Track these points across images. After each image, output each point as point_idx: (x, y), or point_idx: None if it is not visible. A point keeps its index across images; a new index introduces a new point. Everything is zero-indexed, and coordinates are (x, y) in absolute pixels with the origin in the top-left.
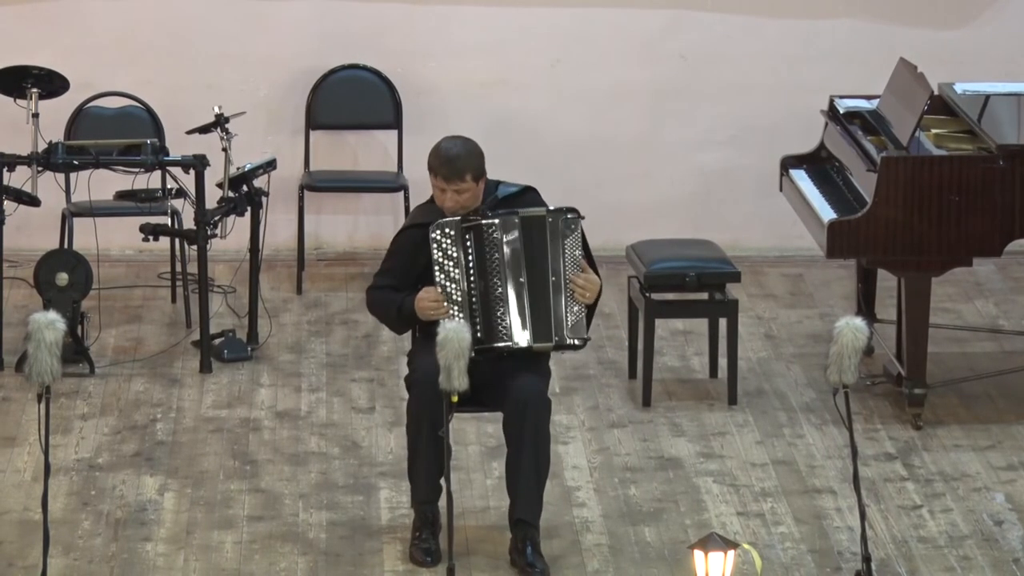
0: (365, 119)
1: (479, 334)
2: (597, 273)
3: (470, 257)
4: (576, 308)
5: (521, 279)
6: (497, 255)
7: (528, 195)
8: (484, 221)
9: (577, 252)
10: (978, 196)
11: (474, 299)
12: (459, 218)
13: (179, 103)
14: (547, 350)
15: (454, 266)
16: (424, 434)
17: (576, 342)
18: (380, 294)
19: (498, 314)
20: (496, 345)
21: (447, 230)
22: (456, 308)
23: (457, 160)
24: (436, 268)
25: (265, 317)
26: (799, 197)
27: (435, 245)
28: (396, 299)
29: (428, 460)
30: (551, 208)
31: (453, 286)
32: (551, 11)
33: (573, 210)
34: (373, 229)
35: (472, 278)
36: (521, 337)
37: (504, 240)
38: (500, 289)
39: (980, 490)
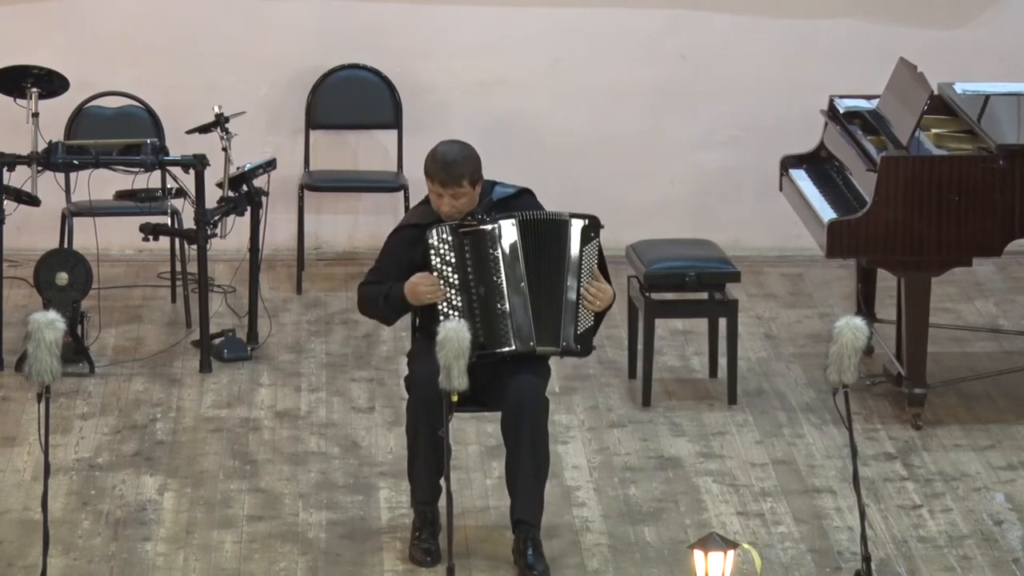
0: (365, 119)
1: (481, 339)
2: (611, 284)
3: (468, 262)
4: (585, 316)
5: (522, 283)
6: (497, 260)
7: (524, 198)
8: (482, 227)
9: (593, 261)
10: (978, 196)
11: (475, 304)
12: (456, 223)
13: (179, 103)
14: (550, 354)
15: (453, 271)
16: (423, 435)
17: (581, 348)
18: (368, 288)
19: (500, 319)
20: (498, 351)
21: (444, 235)
22: (456, 313)
23: (454, 165)
24: (435, 275)
25: (265, 317)
26: (799, 197)
27: (432, 251)
28: (383, 288)
29: (427, 461)
30: (572, 213)
31: (453, 291)
32: (551, 11)
33: (594, 219)
34: (373, 229)
35: (472, 283)
36: (523, 342)
37: (504, 244)
38: (501, 294)
39: (980, 490)
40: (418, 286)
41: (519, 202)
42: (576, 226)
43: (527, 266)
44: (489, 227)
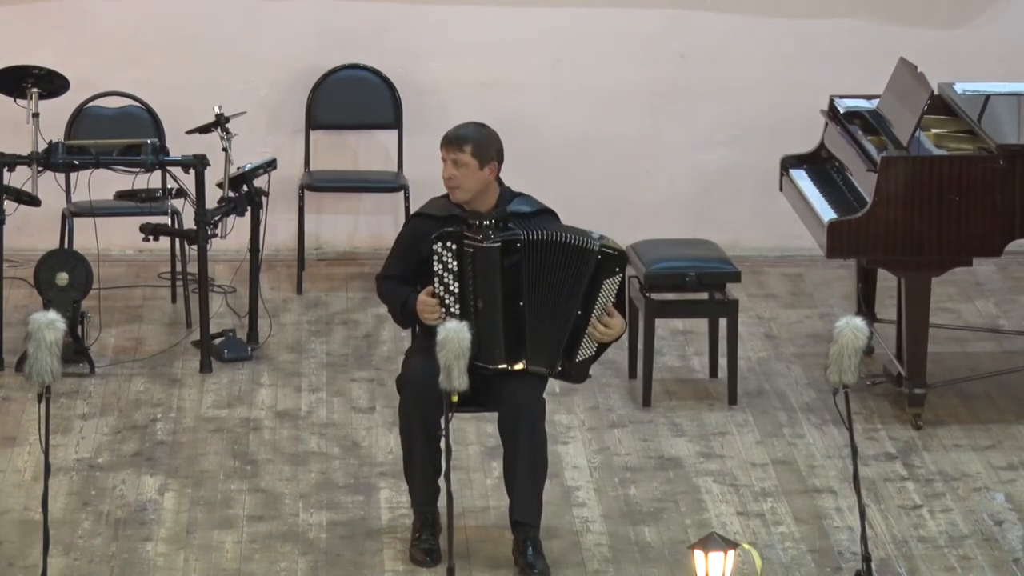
0: (365, 119)
1: (475, 351)
2: (624, 318)
3: (469, 275)
4: (588, 345)
5: (521, 303)
6: (496, 277)
7: (540, 217)
8: (486, 243)
9: (610, 295)
10: (978, 196)
11: (472, 316)
12: (462, 233)
13: (179, 103)
14: (542, 374)
15: (454, 280)
16: (417, 436)
17: (575, 375)
18: (388, 285)
19: (494, 335)
20: (490, 366)
21: (449, 244)
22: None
23: (461, 133)
24: (436, 280)
25: (265, 317)
26: (799, 197)
27: (436, 257)
28: (402, 294)
29: (424, 461)
30: (604, 244)
31: (452, 299)
32: (551, 11)
33: (622, 253)
34: (373, 229)
35: (471, 296)
36: (514, 360)
37: (506, 263)
38: (498, 311)
39: (980, 490)
40: (421, 303)
41: (532, 221)
42: (594, 256)
43: (528, 286)
44: (493, 244)
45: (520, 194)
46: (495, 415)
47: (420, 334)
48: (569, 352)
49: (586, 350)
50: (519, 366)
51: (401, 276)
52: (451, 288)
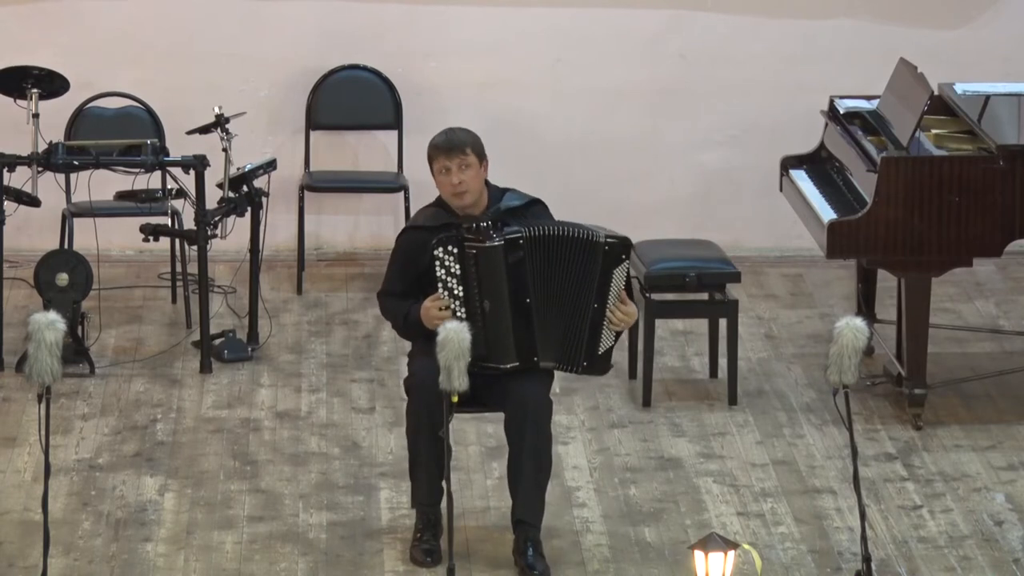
0: (365, 119)
1: (484, 351)
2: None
3: (473, 277)
4: (608, 336)
5: (528, 299)
6: (501, 276)
7: (534, 208)
8: (488, 243)
9: (621, 283)
10: (978, 196)
11: (479, 317)
12: (462, 236)
13: (179, 103)
14: (554, 369)
15: (458, 284)
16: (424, 437)
17: (600, 367)
18: (389, 302)
19: (504, 334)
20: (501, 366)
21: (450, 248)
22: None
23: (455, 137)
24: (440, 285)
25: (265, 317)
26: (799, 197)
27: (438, 263)
28: (403, 308)
29: (428, 462)
30: (607, 234)
31: (457, 303)
32: (551, 11)
33: (625, 241)
34: (373, 229)
35: (477, 297)
36: (526, 357)
37: (510, 260)
38: (505, 309)
39: (980, 490)
40: (429, 309)
41: (527, 213)
42: (601, 248)
43: (534, 282)
44: (495, 243)
45: (507, 189)
46: (495, 415)
47: (422, 336)
48: (592, 347)
49: (607, 341)
50: (528, 363)
51: (402, 292)
52: (456, 292)
